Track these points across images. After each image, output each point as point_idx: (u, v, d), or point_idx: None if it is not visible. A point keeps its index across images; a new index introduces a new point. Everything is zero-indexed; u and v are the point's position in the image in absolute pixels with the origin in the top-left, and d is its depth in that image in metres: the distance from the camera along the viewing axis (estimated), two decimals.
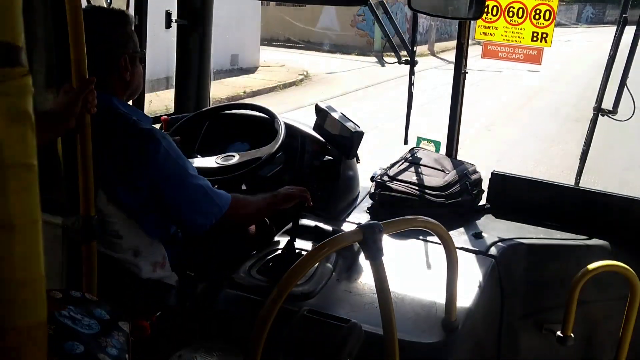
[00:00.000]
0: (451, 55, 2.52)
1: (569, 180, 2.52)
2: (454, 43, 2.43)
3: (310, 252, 1.24)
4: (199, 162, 2.17)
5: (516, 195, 2.36)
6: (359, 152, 2.36)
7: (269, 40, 17.29)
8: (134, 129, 1.61)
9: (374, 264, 1.25)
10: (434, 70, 13.45)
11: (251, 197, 1.88)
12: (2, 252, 0.56)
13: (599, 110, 2.33)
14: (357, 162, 2.51)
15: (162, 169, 1.62)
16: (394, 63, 2.70)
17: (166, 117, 2.58)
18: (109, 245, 1.65)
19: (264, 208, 1.89)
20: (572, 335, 1.85)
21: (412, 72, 2.54)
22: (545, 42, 2.37)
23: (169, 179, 1.64)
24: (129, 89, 1.73)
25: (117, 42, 1.66)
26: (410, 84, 2.56)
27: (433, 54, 17.98)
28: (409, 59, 2.54)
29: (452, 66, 2.43)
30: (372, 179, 2.38)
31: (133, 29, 1.77)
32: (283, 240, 2.05)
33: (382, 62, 15.08)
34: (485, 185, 2.41)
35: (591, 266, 1.80)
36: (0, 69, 0.52)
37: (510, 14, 2.35)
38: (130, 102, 1.94)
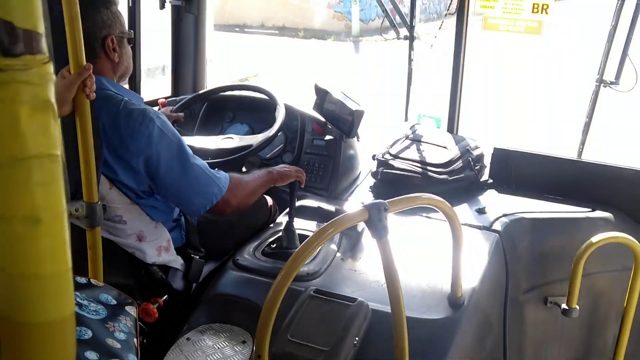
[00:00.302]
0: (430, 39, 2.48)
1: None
2: (439, 24, 2.42)
3: (317, 232, 1.23)
4: (199, 142, 2.16)
5: (519, 170, 2.35)
6: (360, 130, 2.34)
7: (241, 27, 15.77)
8: (126, 109, 1.58)
9: (380, 242, 1.25)
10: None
11: (247, 176, 1.86)
12: (28, 246, 0.54)
13: (600, 81, 2.31)
14: (358, 141, 2.50)
15: (158, 149, 1.59)
16: (393, 39, 2.67)
17: (164, 100, 2.56)
18: (114, 231, 1.65)
19: (260, 186, 1.86)
20: (577, 307, 1.86)
21: (411, 48, 2.51)
22: (546, 13, 2.34)
23: (165, 159, 1.61)
24: (119, 70, 1.71)
25: (103, 24, 1.63)
26: (410, 60, 2.54)
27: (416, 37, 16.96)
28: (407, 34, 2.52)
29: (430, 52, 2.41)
30: (373, 157, 2.37)
31: (118, 7, 1.73)
32: (285, 222, 2.05)
33: (357, 49, 14.01)
34: (487, 161, 2.40)
35: (595, 238, 1.80)
36: (22, 56, 0.50)
37: None
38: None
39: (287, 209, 2.12)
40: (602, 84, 2.31)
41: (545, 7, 2.37)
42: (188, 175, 1.64)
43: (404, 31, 2.47)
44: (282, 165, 1.98)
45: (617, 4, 2.28)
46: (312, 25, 15.81)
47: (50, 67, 0.53)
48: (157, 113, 1.64)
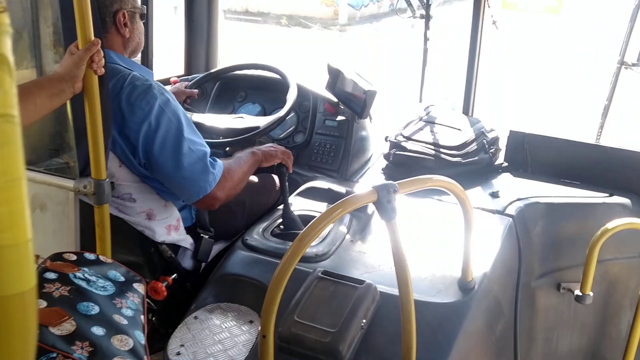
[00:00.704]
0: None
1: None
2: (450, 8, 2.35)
3: (324, 213, 1.21)
4: (209, 120, 2.15)
5: (535, 153, 2.30)
6: (372, 111, 2.31)
7: (225, 11, 13.73)
8: (131, 83, 1.56)
9: (388, 224, 1.23)
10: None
11: (233, 163, 1.74)
12: None
13: (622, 63, 2.25)
14: (370, 122, 2.47)
15: (154, 125, 1.55)
16: (409, 17, 2.62)
17: (175, 78, 2.54)
18: (123, 209, 1.65)
19: (247, 172, 1.77)
20: (591, 293, 1.82)
21: (427, 27, 2.46)
22: None
23: (160, 137, 1.55)
24: (130, 45, 1.68)
25: None
26: (426, 39, 2.49)
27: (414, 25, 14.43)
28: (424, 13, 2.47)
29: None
30: (386, 138, 2.34)
31: None
32: (296, 201, 2.03)
33: (343, 38, 12.50)
34: (502, 144, 2.35)
35: (611, 224, 1.75)
36: None
37: None
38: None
39: (299, 190, 2.11)
40: (623, 66, 2.24)
41: None
42: (182, 159, 1.56)
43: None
44: (268, 145, 1.90)
45: None
46: (299, 12, 14.14)
47: (6, 18, 0.48)
48: (162, 90, 1.60)
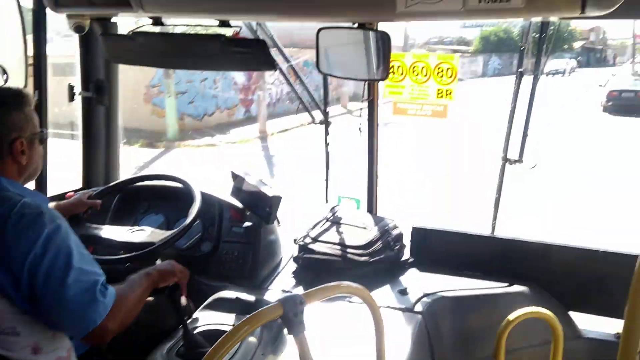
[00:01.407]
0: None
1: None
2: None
3: (228, 333, 1.16)
4: (107, 233, 2.05)
5: (437, 248, 2.38)
6: (279, 215, 2.32)
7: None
8: (20, 212, 1.45)
9: (297, 339, 1.20)
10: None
11: (126, 289, 1.60)
12: None
13: (505, 159, 2.45)
14: (279, 225, 2.47)
15: (41, 255, 1.43)
16: (309, 124, 2.73)
17: (72, 193, 2.43)
18: (5, 344, 1.47)
19: (141, 297, 1.64)
20: None
21: (327, 133, 2.58)
22: (450, 98, 2.50)
23: (45, 267, 1.42)
24: (26, 172, 1.59)
25: (13, 127, 1.53)
26: (327, 144, 2.59)
27: (265, 136, 12.13)
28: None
29: None
30: (295, 241, 2.33)
31: (32, 108, 1.64)
32: (203, 317, 1.94)
33: (167, 155, 10.25)
34: (406, 240, 2.42)
35: (512, 316, 1.81)
36: None
37: (415, 73, 2.46)
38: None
39: (205, 302, 2.02)
40: (507, 162, 2.44)
41: (449, 92, 2.53)
42: (66, 291, 1.43)
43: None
44: (166, 262, 1.81)
45: (515, 86, 2.46)
46: (132, 124, 10.83)
47: None
48: (54, 218, 1.49)
